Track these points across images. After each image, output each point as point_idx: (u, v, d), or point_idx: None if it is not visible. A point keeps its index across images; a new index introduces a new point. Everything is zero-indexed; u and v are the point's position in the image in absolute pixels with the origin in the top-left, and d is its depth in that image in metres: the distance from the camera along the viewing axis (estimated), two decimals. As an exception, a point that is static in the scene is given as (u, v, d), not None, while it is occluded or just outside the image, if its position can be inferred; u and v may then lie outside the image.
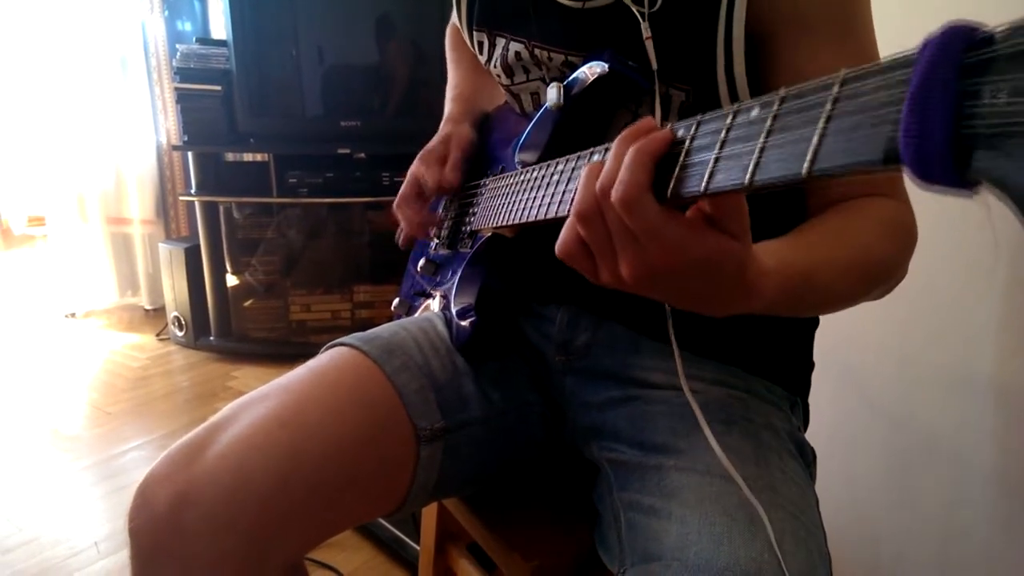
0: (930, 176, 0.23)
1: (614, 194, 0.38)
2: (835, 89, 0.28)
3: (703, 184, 0.34)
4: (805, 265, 0.47)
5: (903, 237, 0.55)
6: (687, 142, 0.37)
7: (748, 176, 0.32)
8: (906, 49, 0.24)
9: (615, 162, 0.39)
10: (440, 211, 0.83)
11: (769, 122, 0.32)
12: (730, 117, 0.34)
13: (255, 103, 2.32)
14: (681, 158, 0.37)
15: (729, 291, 0.41)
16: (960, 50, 0.22)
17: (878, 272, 0.54)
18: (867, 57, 0.57)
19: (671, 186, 0.37)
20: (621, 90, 0.60)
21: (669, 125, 0.39)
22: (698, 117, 0.37)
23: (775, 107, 0.32)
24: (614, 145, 0.40)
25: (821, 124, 0.29)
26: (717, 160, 0.34)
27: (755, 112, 0.33)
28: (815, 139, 0.29)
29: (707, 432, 0.55)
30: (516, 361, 0.73)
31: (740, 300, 0.42)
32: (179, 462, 0.56)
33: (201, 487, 0.53)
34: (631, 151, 0.38)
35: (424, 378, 0.66)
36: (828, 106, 0.29)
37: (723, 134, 0.34)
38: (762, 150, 0.32)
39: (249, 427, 0.57)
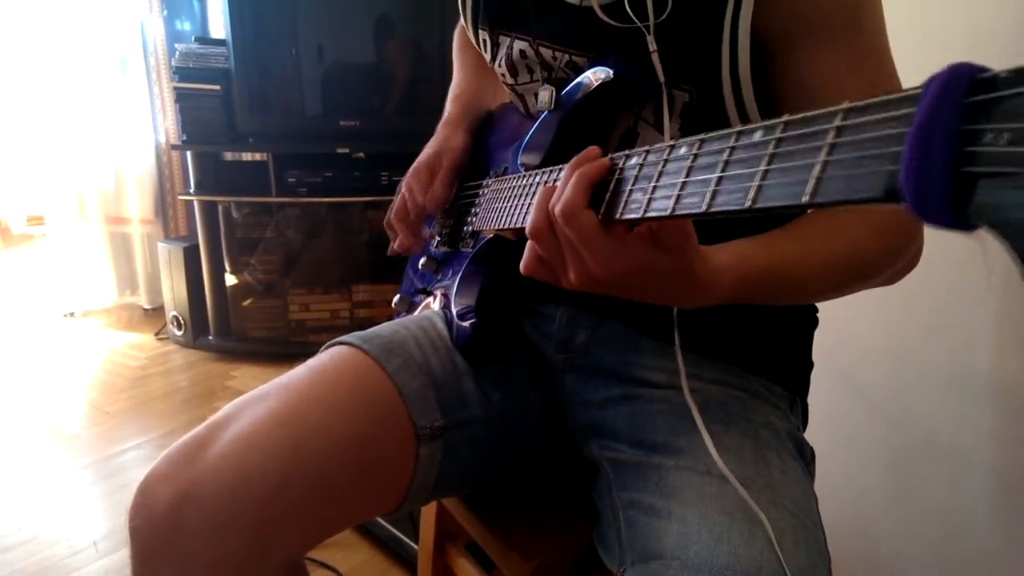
0: (929, 215, 0.23)
1: (556, 209, 0.43)
2: (836, 121, 0.28)
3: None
4: (770, 260, 0.52)
5: (898, 232, 0.56)
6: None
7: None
8: (910, 87, 0.25)
9: (562, 184, 0.44)
10: (432, 228, 0.83)
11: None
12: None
13: (254, 102, 2.32)
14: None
15: (679, 288, 0.47)
16: (964, 91, 0.22)
17: (865, 266, 0.56)
18: (876, 62, 0.56)
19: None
20: (625, 93, 0.60)
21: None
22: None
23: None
24: (565, 169, 0.45)
25: (816, 160, 0.28)
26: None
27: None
28: (815, 175, 0.28)
29: (705, 436, 0.55)
30: (516, 360, 0.73)
31: (698, 294, 0.47)
32: (180, 461, 0.56)
33: (202, 486, 0.53)
34: (575, 174, 0.43)
35: (424, 376, 0.66)
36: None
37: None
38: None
39: (250, 426, 0.57)
